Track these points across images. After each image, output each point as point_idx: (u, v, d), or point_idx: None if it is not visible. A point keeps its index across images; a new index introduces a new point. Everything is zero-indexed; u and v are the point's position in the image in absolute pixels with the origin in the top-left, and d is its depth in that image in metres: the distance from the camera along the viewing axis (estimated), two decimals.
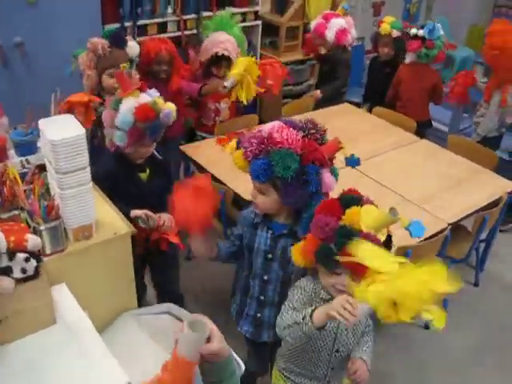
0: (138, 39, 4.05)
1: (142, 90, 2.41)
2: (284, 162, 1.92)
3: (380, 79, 4.65)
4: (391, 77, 4.56)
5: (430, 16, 7.25)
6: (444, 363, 3.19)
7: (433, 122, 4.76)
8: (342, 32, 4.31)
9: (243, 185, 3.11)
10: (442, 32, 4.28)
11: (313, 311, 1.77)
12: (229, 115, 3.89)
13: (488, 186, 3.44)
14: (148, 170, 2.58)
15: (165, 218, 2.48)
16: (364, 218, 1.77)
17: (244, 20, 4.67)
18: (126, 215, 2.22)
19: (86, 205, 1.86)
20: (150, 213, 2.44)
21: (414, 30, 4.29)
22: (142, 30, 4.14)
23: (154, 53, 3.42)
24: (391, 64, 4.60)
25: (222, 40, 3.63)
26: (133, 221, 2.36)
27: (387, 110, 4.28)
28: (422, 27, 4.32)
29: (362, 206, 1.82)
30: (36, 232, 1.75)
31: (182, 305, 2.37)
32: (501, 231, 4.06)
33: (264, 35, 4.91)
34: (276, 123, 2.07)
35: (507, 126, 4.28)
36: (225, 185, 3.14)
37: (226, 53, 3.58)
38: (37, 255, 1.59)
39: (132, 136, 2.36)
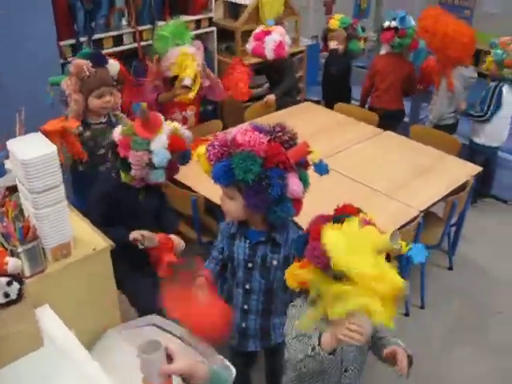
0: None
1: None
2: (244, 164, 1.87)
3: (333, 75, 4.76)
4: (344, 73, 4.71)
5: (381, 10, 7.36)
6: (426, 346, 3.23)
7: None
8: (279, 46, 4.36)
9: (216, 192, 3.12)
10: (413, 22, 4.41)
11: (319, 339, 1.69)
12: (194, 122, 3.89)
13: (454, 171, 3.52)
14: (143, 191, 2.56)
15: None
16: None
17: (199, 27, 4.68)
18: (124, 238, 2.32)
19: (63, 223, 1.83)
20: (147, 233, 2.43)
21: (386, 23, 4.45)
22: (98, 44, 4.09)
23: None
24: (342, 60, 4.69)
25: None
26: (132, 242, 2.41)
27: (349, 105, 4.34)
28: (394, 19, 4.43)
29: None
30: (13, 255, 1.72)
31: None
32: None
33: (220, 41, 4.91)
34: (243, 126, 2.06)
35: (461, 112, 4.41)
36: (196, 192, 3.13)
37: (188, 83, 3.57)
38: (19, 278, 1.57)
39: (170, 170, 2.42)
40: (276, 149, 1.92)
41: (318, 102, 4.90)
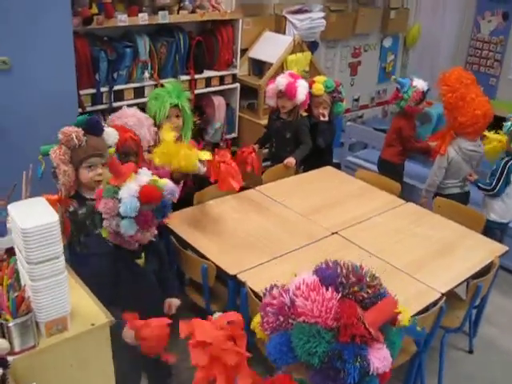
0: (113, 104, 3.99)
1: (135, 172, 2.31)
2: (307, 343, 1.46)
3: (319, 146, 4.50)
4: (330, 142, 4.62)
5: (406, 73, 7.34)
6: None
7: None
8: (308, 94, 4.28)
9: (229, 257, 3.00)
10: (413, 88, 4.50)
11: None
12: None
13: (479, 250, 3.34)
14: (143, 254, 2.44)
15: None
16: None
17: (222, 83, 4.63)
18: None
19: (61, 296, 1.70)
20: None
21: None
22: (118, 96, 4.04)
23: (120, 143, 3.00)
24: (329, 128, 4.53)
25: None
26: None
27: (371, 172, 4.22)
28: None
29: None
30: (3, 328, 1.58)
31: None
32: None
33: (242, 98, 4.85)
34: (306, 278, 1.59)
35: (471, 182, 4.35)
36: (207, 259, 2.99)
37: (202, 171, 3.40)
38: (4, 361, 1.42)
39: (141, 221, 2.22)
40: (351, 317, 1.48)
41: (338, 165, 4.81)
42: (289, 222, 3.45)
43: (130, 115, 3.46)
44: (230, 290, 2.95)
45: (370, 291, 1.54)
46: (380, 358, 1.48)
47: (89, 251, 2.51)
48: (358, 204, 3.76)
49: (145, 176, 2.30)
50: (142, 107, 3.77)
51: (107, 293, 2.10)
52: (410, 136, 4.65)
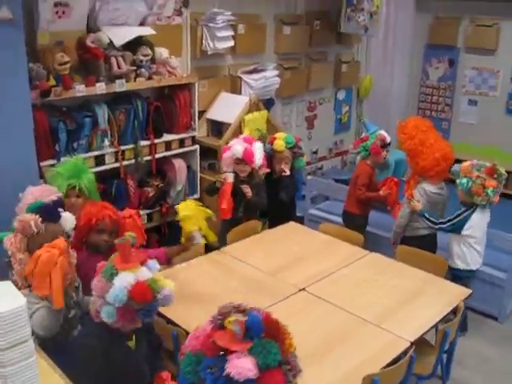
0: None
1: (141, 263, 2.25)
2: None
3: (282, 201, 4.59)
4: (293, 195, 4.72)
5: (360, 124, 7.53)
6: None
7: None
8: (264, 158, 4.35)
9: (198, 322, 2.98)
10: (376, 130, 4.75)
11: None
12: None
13: (443, 295, 3.41)
14: (133, 336, 2.37)
15: None
16: None
17: (182, 145, 4.69)
18: None
19: (31, 381, 1.68)
20: None
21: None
22: None
23: (96, 220, 2.99)
24: (290, 183, 4.62)
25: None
26: None
27: (333, 225, 4.28)
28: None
29: None
30: None
31: None
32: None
33: (203, 158, 4.92)
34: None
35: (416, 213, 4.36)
36: (177, 325, 2.97)
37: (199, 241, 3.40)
38: None
39: (121, 315, 2.16)
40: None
41: (302, 220, 4.86)
42: (255, 282, 3.47)
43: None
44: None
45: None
46: (240, 363, 1.70)
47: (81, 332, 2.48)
48: (323, 258, 3.81)
49: (148, 272, 2.23)
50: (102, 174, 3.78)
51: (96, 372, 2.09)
52: (362, 185, 4.70)
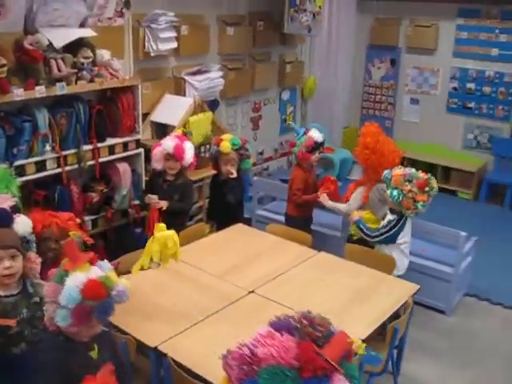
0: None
1: (92, 262, 2.17)
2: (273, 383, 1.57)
3: (229, 203, 4.57)
4: (240, 197, 4.67)
5: (305, 123, 7.58)
6: None
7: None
8: (195, 156, 4.34)
9: (148, 329, 2.93)
10: (307, 136, 4.67)
11: None
12: None
13: (392, 292, 3.46)
14: (96, 346, 2.26)
15: None
16: None
17: (126, 149, 4.59)
18: None
19: None
20: None
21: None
22: (20, 171, 3.92)
23: (42, 227, 2.94)
24: (237, 185, 4.59)
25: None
26: None
27: (281, 225, 4.27)
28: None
29: None
30: None
31: None
32: None
33: (147, 162, 4.83)
34: (262, 330, 1.75)
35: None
36: (126, 333, 2.90)
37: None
38: None
39: (77, 316, 2.07)
40: (310, 353, 1.62)
41: (249, 221, 4.85)
42: (205, 286, 3.44)
43: None
44: (152, 363, 2.87)
45: (322, 329, 1.69)
46: None
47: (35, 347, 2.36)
48: (271, 259, 3.81)
49: (99, 271, 2.16)
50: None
51: None
52: (297, 189, 4.70)
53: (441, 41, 7.54)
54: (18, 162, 3.90)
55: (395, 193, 3.86)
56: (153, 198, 4.18)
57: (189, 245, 3.94)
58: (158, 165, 4.32)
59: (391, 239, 4.01)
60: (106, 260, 2.29)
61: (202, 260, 3.75)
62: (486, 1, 6.85)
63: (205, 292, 3.36)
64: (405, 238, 4.08)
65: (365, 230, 4.10)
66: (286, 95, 7.25)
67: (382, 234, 4.01)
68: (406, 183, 3.83)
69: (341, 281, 3.56)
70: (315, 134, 4.67)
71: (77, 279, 2.08)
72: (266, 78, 6.66)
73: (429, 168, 7.48)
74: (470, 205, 7.16)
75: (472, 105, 7.49)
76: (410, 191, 3.82)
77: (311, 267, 3.75)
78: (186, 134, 4.65)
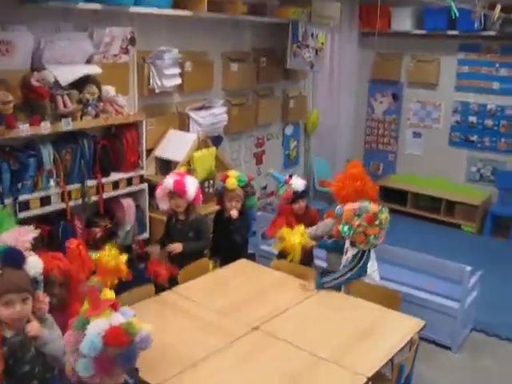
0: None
1: (114, 308, 2.15)
2: None
3: (235, 241, 4.57)
4: (246, 235, 4.66)
5: (309, 157, 7.62)
6: None
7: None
8: (199, 191, 4.30)
9: (150, 368, 2.87)
10: (287, 185, 4.64)
11: None
12: None
13: (398, 328, 3.42)
14: None
15: None
16: None
17: (130, 184, 4.61)
18: None
19: None
20: None
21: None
22: (24, 206, 3.94)
23: (44, 271, 2.78)
24: (242, 223, 4.61)
25: None
26: None
27: (285, 262, 4.24)
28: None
29: None
30: None
31: None
32: None
33: (151, 197, 4.84)
34: None
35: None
36: None
37: None
38: None
39: (99, 365, 2.03)
40: None
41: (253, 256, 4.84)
42: (208, 323, 3.40)
43: None
44: None
45: None
46: None
47: None
48: (276, 295, 3.77)
49: (121, 317, 2.14)
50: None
51: None
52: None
53: (442, 75, 7.61)
54: (22, 197, 3.92)
55: (346, 228, 3.84)
56: (153, 249, 4.20)
57: (192, 280, 3.92)
58: (163, 205, 4.29)
59: (363, 271, 3.96)
60: (127, 308, 2.26)
61: (206, 296, 3.72)
62: (486, 36, 6.91)
63: (208, 328, 3.33)
64: (373, 266, 4.06)
65: (335, 276, 3.93)
66: (289, 130, 7.28)
67: (351, 270, 3.91)
68: (356, 218, 3.80)
69: (346, 317, 3.53)
70: (295, 184, 4.61)
71: (99, 326, 2.06)
72: (269, 113, 6.70)
73: (432, 201, 7.54)
74: (475, 238, 7.12)
75: (474, 138, 7.52)
76: (360, 225, 3.79)
77: (316, 303, 3.71)
78: (190, 171, 4.66)
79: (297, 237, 4.20)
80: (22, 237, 2.86)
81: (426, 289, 4.69)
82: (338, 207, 3.97)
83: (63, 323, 2.41)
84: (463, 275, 4.46)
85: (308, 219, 4.65)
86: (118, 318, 2.12)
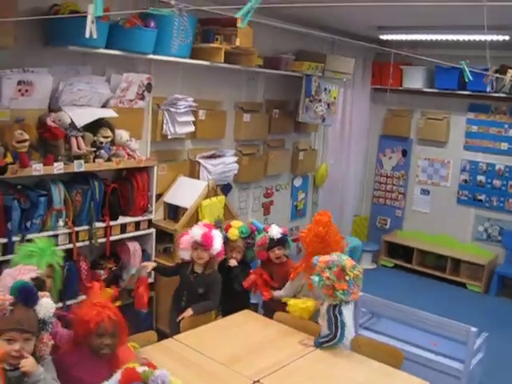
0: None
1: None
2: None
3: (236, 290, 4.56)
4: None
5: (316, 210, 7.62)
6: None
7: None
8: (223, 245, 4.28)
9: None
10: (264, 233, 4.60)
11: None
12: None
13: None
14: None
15: None
16: None
17: (138, 228, 4.64)
18: None
19: None
20: None
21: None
22: None
23: (95, 323, 2.81)
24: (242, 273, 4.57)
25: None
26: None
27: (288, 314, 4.20)
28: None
29: None
30: None
31: None
32: None
33: (158, 242, 4.87)
34: None
35: None
36: None
37: None
38: None
39: None
40: None
41: (256, 307, 4.81)
42: (209, 373, 3.35)
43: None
44: None
45: None
46: None
47: None
48: (278, 348, 3.72)
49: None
50: None
51: None
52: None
53: (452, 133, 7.68)
54: (30, 236, 3.94)
55: (316, 279, 3.76)
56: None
57: (194, 329, 3.89)
58: (185, 254, 4.23)
59: (344, 324, 3.83)
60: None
61: (208, 345, 3.67)
62: (496, 97, 7.01)
63: (209, 380, 3.28)
64: (347, 321, 3.92)
65: (325, 339, 3.79)
66: (298, 182, 7.31)
67: (337, 328, 3.76)
68: (327, 270, 3.72)
69: (346, 374, 3.47)
70: (271, 231, 4.57)
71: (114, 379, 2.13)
72: (279, 164, 6.74)
73: (438, 259, 7.50)
74: (481, 298, 7.06)
75: (483, 197, 7.53)
76: (328, 278, 3.71)
77: (317, 359, 3.65)
78: (216, 224, 4.68)
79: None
80: (21, 275, 2.86)
81: (431, 348, 4.62)
82: (315, 258, 3.90)
83: (110, 370, 2.42)
84: (468, 336, 4.40)
85: (283, 271, 4.57)
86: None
